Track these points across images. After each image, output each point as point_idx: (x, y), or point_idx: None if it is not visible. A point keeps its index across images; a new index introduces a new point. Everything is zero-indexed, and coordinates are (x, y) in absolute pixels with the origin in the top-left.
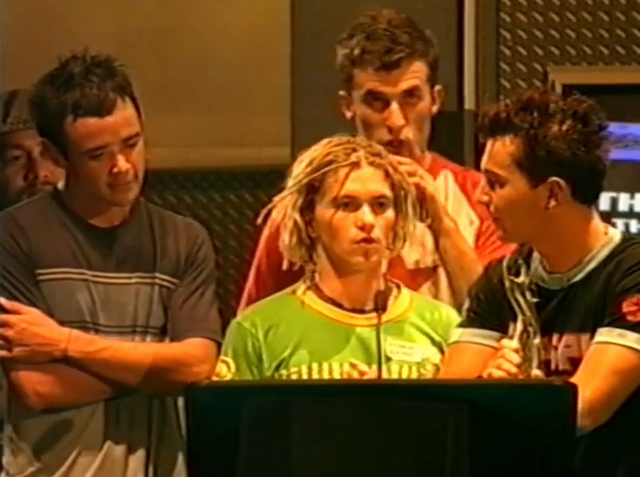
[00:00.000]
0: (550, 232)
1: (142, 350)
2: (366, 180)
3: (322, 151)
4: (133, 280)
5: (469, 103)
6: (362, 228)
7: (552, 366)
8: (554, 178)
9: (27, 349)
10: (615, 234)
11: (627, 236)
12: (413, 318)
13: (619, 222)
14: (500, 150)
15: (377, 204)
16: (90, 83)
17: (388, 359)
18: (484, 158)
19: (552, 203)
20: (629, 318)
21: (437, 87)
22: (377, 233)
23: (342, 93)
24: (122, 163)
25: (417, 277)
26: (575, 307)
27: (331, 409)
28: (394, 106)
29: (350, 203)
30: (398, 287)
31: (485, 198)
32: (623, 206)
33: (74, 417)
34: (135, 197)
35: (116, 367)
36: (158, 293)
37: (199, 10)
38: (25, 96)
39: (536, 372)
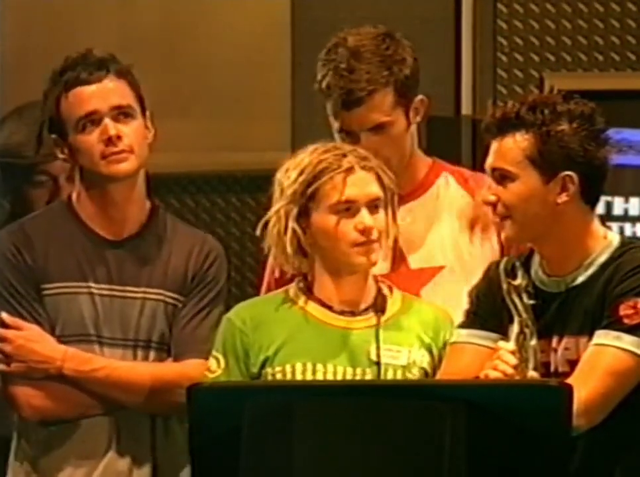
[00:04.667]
0: (556, 232)
1: (138, 371)
2: (362, 184)
3: (312, 159)
4: (139, 295)
5: (466, 109)
6: (362, 231)
7: (552, 368)
8: (567, 172)
9: (24, 365)
10: (614, 238)
11: (626, 240)
12: (404, 320)
13: (614, 226)
14: (511, 146)
15: (373, 206)
16: (84, 64)
17: (375, 363)
18: (491, 157)
19: (564, 197)
20: (626, 321)
21: (417, 98)
22: (376, 234)
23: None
24: (111, 127)
25: (420, 277)
26: (575, 310)
27: (332, 409)
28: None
29: (348, 208)
30: (390, 288)
31: (493, 198)
32: (617, 210)
33: (73, 429)
34: (131, 171)
35: (111, 387)
36: (163, 310)
37: (200, 16)
38: None
39: (532, 373)
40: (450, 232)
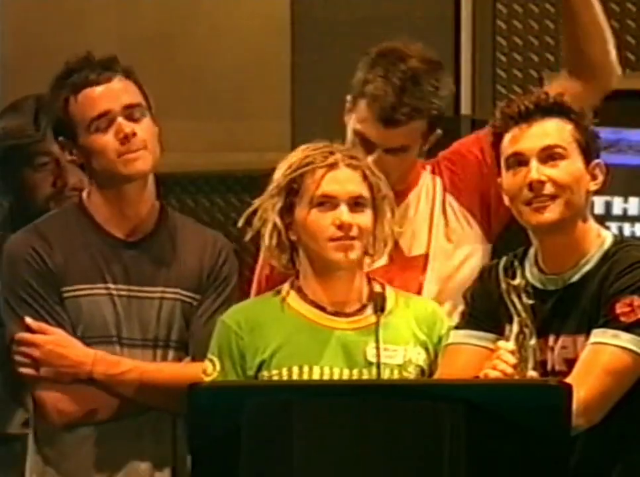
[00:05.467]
0: (574, 224)
1: (165, 372)
2: (343, 181)
3: (300, 155)
4: (157, 294)
5: (465, 109)
6: (339, 227)
7: (549, 367)
8: (598, 161)
9: (53, 370)
10: (608, 236)
11: (619, 238)
12: (398, 318)
13: (613, 226)
14: (560, 127)
15: (355, 204)
16: (89, 68)
17: (370, 363)
18: (535, 137)
19: (594, 186)
20: (623, 319)
21: (436, 133)
22: (355, 231)
23: (349, 98)
24: (125, 125)
25: (417, 265)
26: (571, 309)
27: (331, 408)
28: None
29: (327, 203)
30: (382, 286)
31: (544, 177)
32: (616, 210)
33: (94, 433)
34: (146, 170)
35: (139, 389)
36: (180, 308)
37: (200, 17)
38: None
39: (531, 373)
40: (426, 219)
